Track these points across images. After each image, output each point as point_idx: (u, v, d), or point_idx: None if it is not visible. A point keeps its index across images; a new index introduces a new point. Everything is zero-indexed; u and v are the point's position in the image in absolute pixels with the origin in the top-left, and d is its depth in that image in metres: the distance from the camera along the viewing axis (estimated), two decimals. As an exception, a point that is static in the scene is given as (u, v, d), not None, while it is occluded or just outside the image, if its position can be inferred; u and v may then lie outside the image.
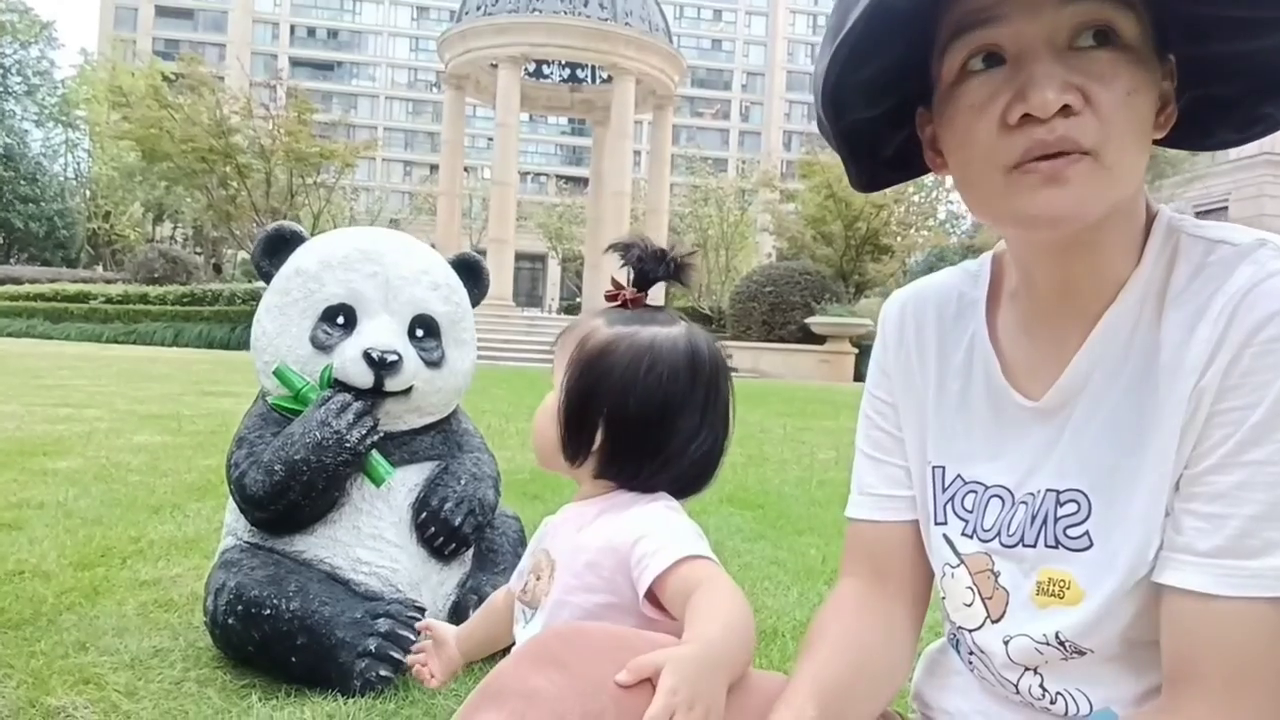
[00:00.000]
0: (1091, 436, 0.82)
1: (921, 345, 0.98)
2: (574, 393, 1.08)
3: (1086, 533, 0.81)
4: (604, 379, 1.07)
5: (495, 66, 21.72)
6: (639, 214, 22.79)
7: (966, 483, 0.93)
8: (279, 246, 2.00)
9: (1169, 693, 0.77)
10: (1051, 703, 0.86)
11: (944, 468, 0.95)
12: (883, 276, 28.45)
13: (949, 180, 0.86)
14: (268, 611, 1.74)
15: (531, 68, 23.07)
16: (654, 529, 1.01)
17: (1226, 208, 25.24)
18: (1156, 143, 0.79)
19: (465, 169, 26.96)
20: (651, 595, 0.98)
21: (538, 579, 1.13)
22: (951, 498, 0.94)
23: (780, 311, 19.17)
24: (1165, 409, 0.76)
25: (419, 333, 1.97)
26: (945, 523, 0.94)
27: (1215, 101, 0.80)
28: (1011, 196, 0.75)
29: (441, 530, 1.90)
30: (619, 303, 1.13)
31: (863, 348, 17.41)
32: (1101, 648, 0.82)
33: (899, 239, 29.84)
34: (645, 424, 1.07)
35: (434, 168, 53.18)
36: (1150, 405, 0.77)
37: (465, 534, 1.93)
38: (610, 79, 22.40)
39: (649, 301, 1.14)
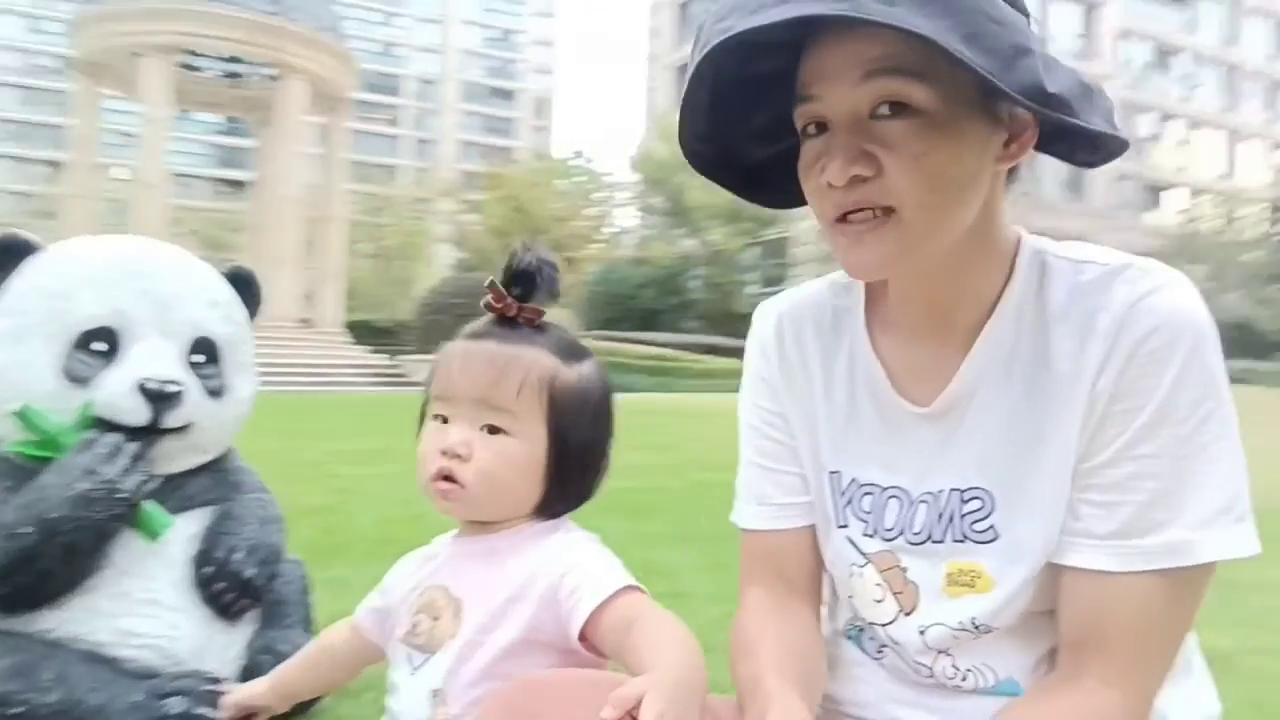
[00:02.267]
0: (988, 438, 0.91)
1: (804, 355, 1.04)
2: (576, 445, 1.06)
3: (992, 526, 0.90)
4: (599, 425, 1.08)
5: (139, 55, 19.34)
6: (312, 221, 21.39)
7: (862, 485, 0.99)
8: (2, 259, 1.62)
9: (1070, 660, 0.87)
10: (963, 679, 0.95)
11: (840, 472, 1.01)
12: (567, 285, 29.24)
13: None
14: (19, 710, 1.41)
15: (185, 59, 20.82)
16: (581, 561, 1.00)
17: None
18: (1042, 150, 0.88)
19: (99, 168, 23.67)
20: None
21: (435, 619, 1.04)
22: (850, 500, 1.00)
23: (471, 323, 18.94)
24: (1065, 412, 0.86)
25: (198, 358, 1.70)
26: (847, 525, 1.00)
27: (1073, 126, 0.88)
28: (835, 248, 0.86)
29: (232, 584, 1.65)
30: (502, 314, 1.07)
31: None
32: (1005, 624, 0.91)
33: (580, 251, 30.92)
34: (604, 462, 1.10)
35: (55, 165, 46.24)
36: (1046, 409, 0.87)
37: (258, 586, 1.70)
38: (276, 76, 20.86)
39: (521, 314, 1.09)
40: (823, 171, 0.83)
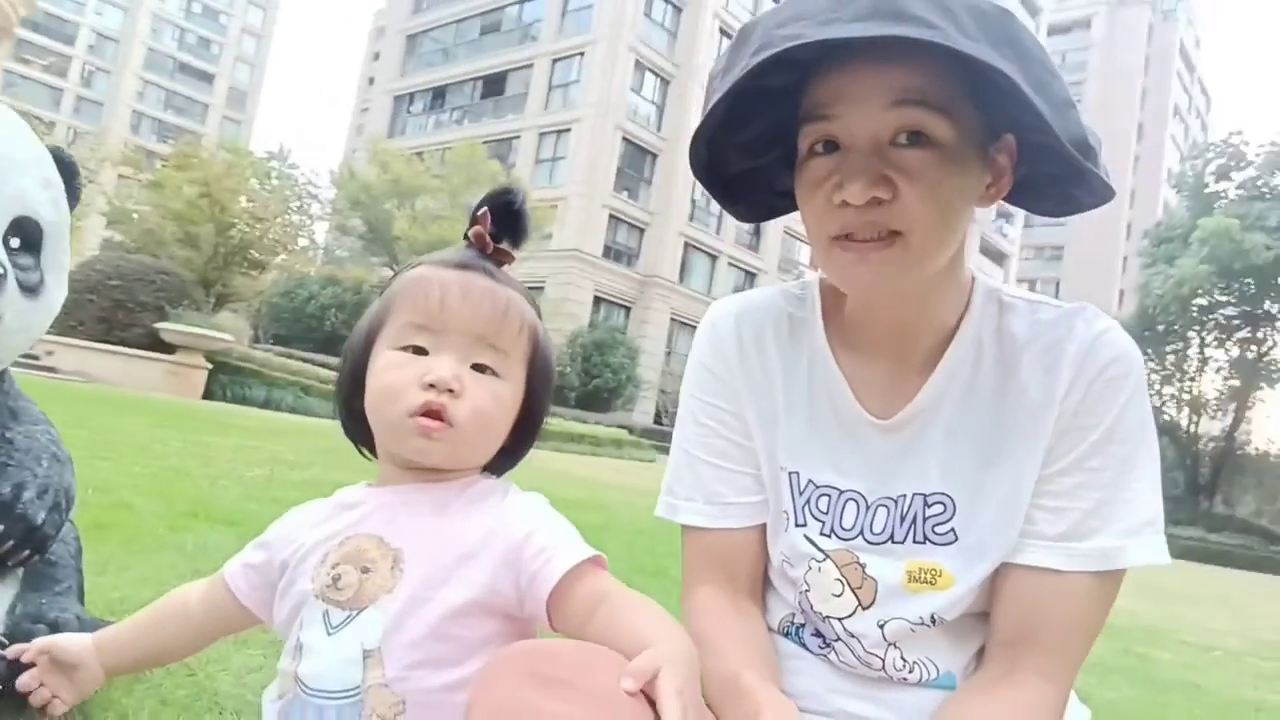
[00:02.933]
0: (950, 450, 1.00)
1: (764, 357, 1.08)
2: (538, 399, 1.03)
3: (953, 529, 0.99)
4: (551, 384, 1.05)
5: None
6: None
7: (819, 487, 1.04)
8: None
9: (1004, 656, 0.96)
10: (909, 672, 1.01)
11: (798, 472, 1.05)
12: (250, 292, 26.89)
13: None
14: None
15: None
16: (545, 524, 0.94)
17: (543, 288, 29.75)
18: (1010, 201, 1.00)
19: None
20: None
21: (365, 572, 0.91)
22: (808, 500, 1.04)
23: (126, 311, 16.51)
24: (1033, 429, 0.97)
25: (13, 243, 1.35)
26: (805, 524, 1.04)
27: (1043, 177, 0.97)
28: (832, 263, 0.93)
29: (14, 531, 1.30)
30: (482, 247, 1.02)
31: (217, 363, 16.12)
32: (956, 619, 1.00)
33: (274, 257, 28.62)
34: (540, 425, 1.06)
35: None
36: (1012, 426, 0.98)
37: (45, 536, 1.35)
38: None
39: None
40: (837, 189, 0.87)
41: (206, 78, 71.18)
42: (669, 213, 32.97)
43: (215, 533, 3.04)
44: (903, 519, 1.00)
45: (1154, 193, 60.56)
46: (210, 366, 16.03)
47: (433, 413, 0.92)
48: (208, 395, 15.61)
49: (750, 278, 37.74)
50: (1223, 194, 32.51)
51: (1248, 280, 29.95)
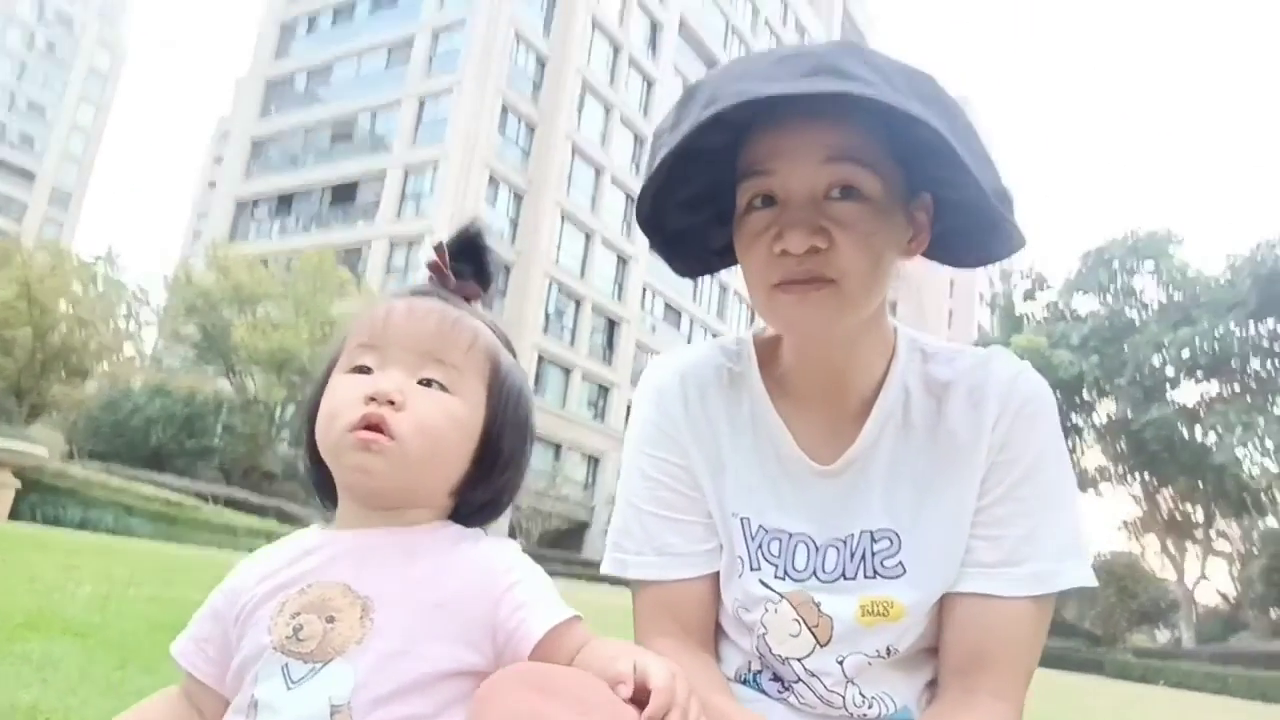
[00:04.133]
0: (890, 488, 1.06)
1: (707, 410, 1.13)
2: (507, 433, 0.96)
3: (900, 562, 1.04)
4: (524, 426, 1.00)
5: None
6: None
7: (769, 531, 1.08)
8: None
9: (959, 684, 1.01)
10: (869, 707, 1.05)
11: (748, 518, 1.09)
12: (69, 403, 24.68)
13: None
14: None
15: None
16: (520, 577, 0.90)
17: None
18: (925, 255, 1.09)
19: None
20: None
21: (330, 621, 0.85)
22: (760, 545, 1.08)
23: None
24: (965, 463, 1.04)
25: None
26: (759, 568, 1.08)
27: (957, 230, 1.04)
28: (774, 308, 1.00)
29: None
30: (442, 280, 0.99)
31: (27, 481, 14.61)
32: (909, 649, 1.05)
33: (97, 365, 26.52)
34: (521, 475, 1.00)
35: None
36: (945, 461, 1.05)
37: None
38: None
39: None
40: (777, 239, 0.93)
41: (27, 175, 67.00)
42: (522, 324, 33.08)
43: (60, 643, 2.72)
44: (852, 556, 1.04)
45: (969, 313, 65.92)
46: (19, 484, 14.53)
47: (372, 426, 0.86)
48: (14, 516, 14.04)
49: (604, 391, 38.12)
50: (1030, 315, 35.80)
51: (1056, 392, 32.72)
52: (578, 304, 37.11)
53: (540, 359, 34.72)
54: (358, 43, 37.36)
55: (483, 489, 0.95)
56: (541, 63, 35.88)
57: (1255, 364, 31.35)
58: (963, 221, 1.01)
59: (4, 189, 65.29)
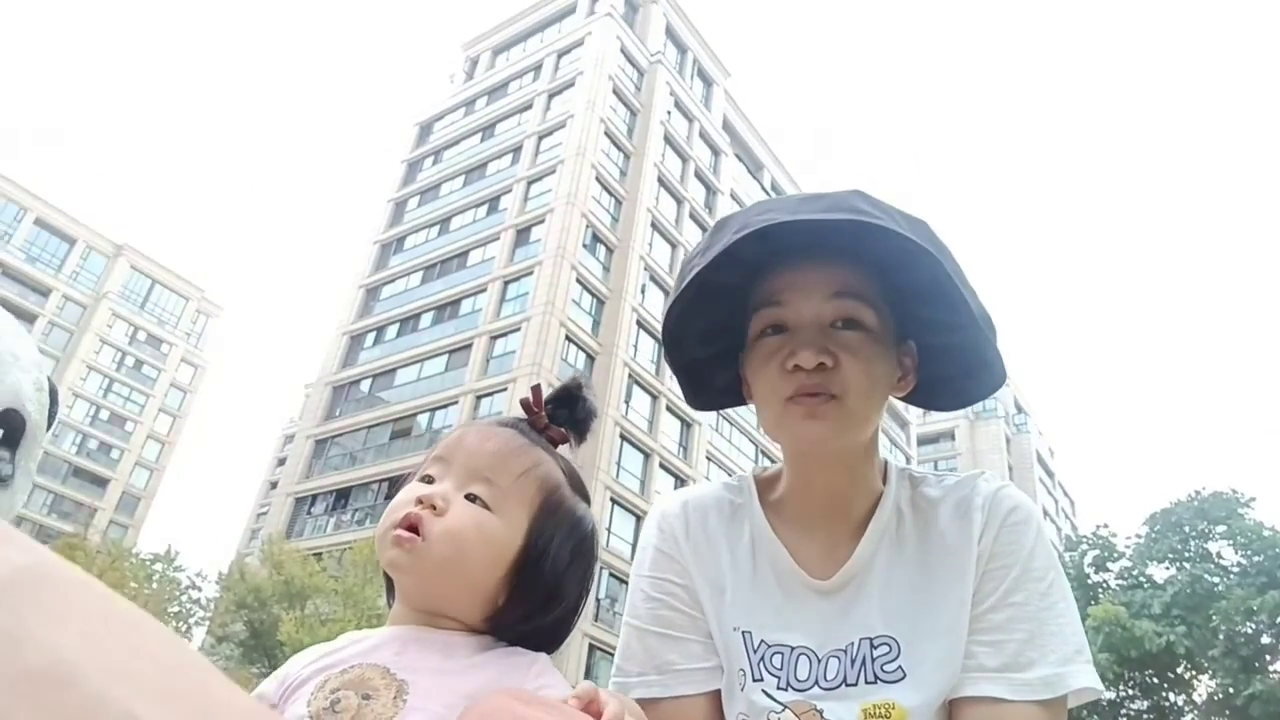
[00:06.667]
0: (888, 597, 1.11)
1: (709, 534, 1.20)
2: (549, 566, 0.98)
3: (900, 667, 1.07)
4: (576, 565, 1.01)
5: None
6: None
7: (771, 645, 1.12)
8: None
9: None
10: None
11: (750, 632, 1.13)
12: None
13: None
14: None
15: None
16: (554, 682, 0.93)
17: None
18: (904, 399, 1.20)
19: None
20: None
21: (365, 698, 0.90)
22: (762, 658, 1.11)
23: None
24: (957, 570, 1.09)
25: (-2, 430, 1.37)
26: (761, 679, 1.11)
27: (939, 376, 1.18)
28: (786, 421, 1.10)
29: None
30: (532, 419, 1.05)
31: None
32: None
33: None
34: (574, 614, 1.02)
35: None
36: (939, 570, 1.11)
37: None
38: None
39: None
40: (789, 357, 1.06)
41: (100, 482, 69.95)
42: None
43: None
44: (853, 663, 1.07)
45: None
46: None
47: (411, 525, 0.93)
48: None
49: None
50: (1103, 584, 33.97)
51: (1148, 670, 30.27)
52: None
53: (591, 648, 33.39)
54: (420, 348, 39.97)
55: (521, 617, 0.97)
56: (591, 357, 37.83)
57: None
58: (945, 369, 1.15)
59: (77, 495, 68.01)
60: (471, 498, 0.96)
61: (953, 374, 1.16)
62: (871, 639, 1.08)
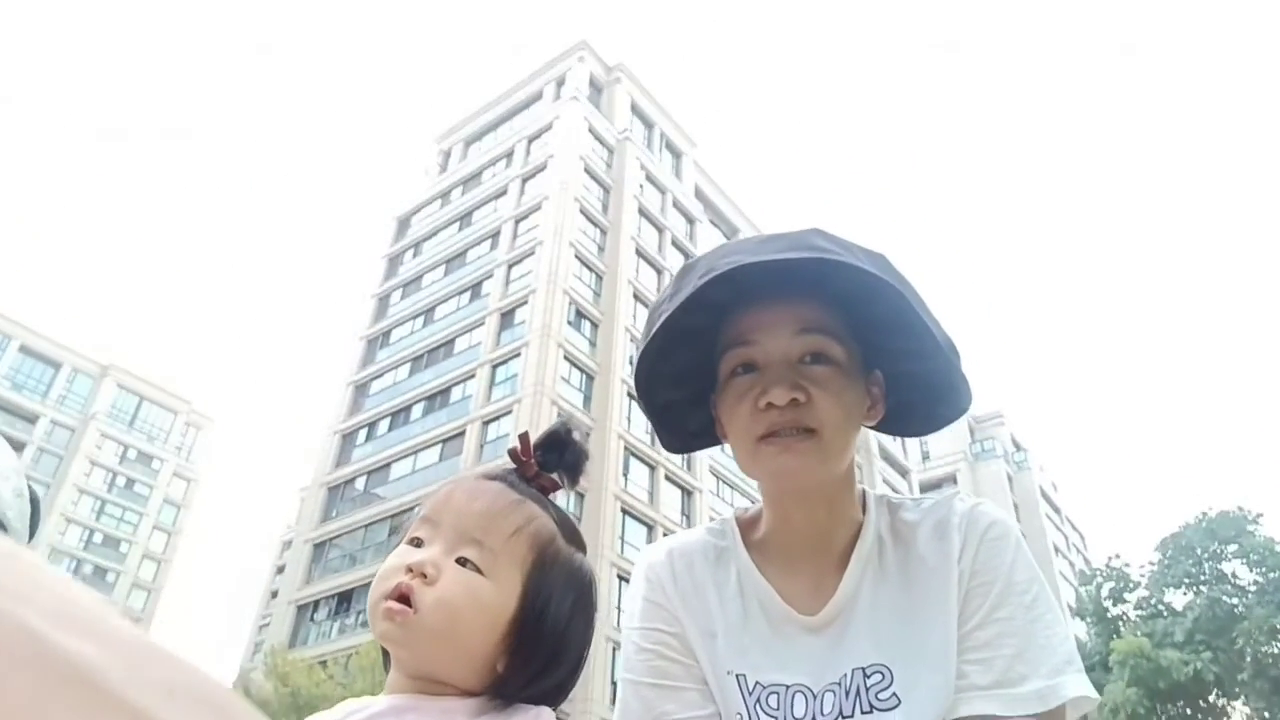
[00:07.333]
0: (876, 625, 1.11)
1: (696, 580, 1.20)
2: (549, 624, 0.96)
3: (894, 694, 1.07)
4: (577, 617, 0.99)
5: None
6: None
7: (766, 686, 1.12)
8: None
9: None
10: None
11: (744, 675, 1.13)
12: None
13: None
14: None
15: None
16: None
17: None
18: (875, 428, 1.22)
19: None
20: None
21: None
22: (758, 700, 1.11)
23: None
24: (941, 592, 1.10)
25: (-26, 541, 1.35)
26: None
27: (908, 403, 1.20)
28: (760, 458, 1.11)
29: None
30: (521, 468, 1.04)
31: None
32: None
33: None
34: (577, 665, 1.00)
35: None
36: (923, 593, 1.11)
37: None
38: None
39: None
40: (761, 394, 1.07)
41: (116, 565, 68.62)
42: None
43: None
44: (848, 694, 1.08)
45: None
46: None
47: (402, 596, 0.91)
48: None
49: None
50: (1123, 616, 33.50)
51: (1179, 702, 29.66)
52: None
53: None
54: (413, 440, 39.76)
55: (524, 682, 0.94)
56: (585, 435, 37.46)
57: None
58: (913, 395, 1.17)
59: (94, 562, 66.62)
60: (463, 561, 0.94)
61: (921, 400, 1.18)
62: (864, 668, 1.08)
